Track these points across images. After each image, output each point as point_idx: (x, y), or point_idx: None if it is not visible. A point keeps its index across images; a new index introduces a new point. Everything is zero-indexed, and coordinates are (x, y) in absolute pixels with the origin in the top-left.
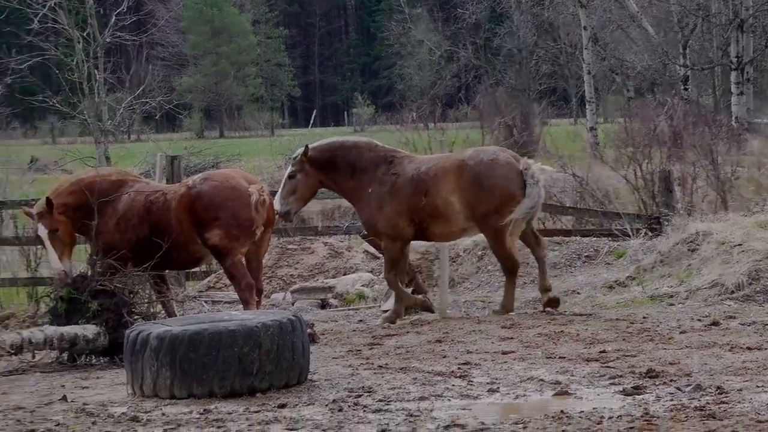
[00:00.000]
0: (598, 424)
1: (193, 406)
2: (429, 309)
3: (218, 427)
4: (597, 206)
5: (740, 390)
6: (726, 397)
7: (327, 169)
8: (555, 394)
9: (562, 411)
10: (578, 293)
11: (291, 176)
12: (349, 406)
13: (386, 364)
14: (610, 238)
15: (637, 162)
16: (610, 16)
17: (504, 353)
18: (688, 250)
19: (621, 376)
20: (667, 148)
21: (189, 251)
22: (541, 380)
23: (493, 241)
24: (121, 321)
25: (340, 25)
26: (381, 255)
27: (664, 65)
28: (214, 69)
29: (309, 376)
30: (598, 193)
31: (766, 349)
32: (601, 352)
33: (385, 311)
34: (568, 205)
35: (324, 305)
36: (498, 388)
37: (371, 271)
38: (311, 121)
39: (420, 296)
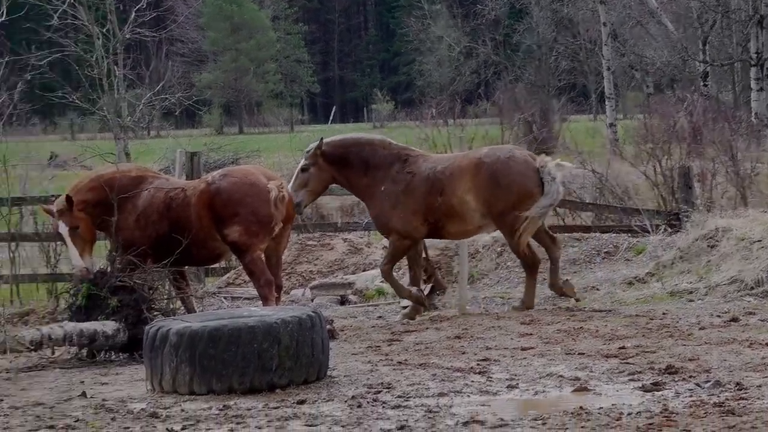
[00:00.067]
0: (618, 420)
1: (213, 402)
2: (422, 303)
3: (237, 423)
4: (616, 202)
5: (759, 386)
6: (745, 393)
7: (340, 165)
8: (574, 390)
9: (581, 407)
10: (598, 289)
11: (304, 169)
12: (368, 402)
13: (405, 360)
14: (629, 234)
15: (656, 158)
16: (630, 12)
17: (523, 349)
18: (708, 246)
19: (640, 372)
20: (687, 144)
21: (208, 247)
22: (561, 376)
23: (511, 238)
24: (140, 317)
25: (359, 21)
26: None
27: (684, 61)
28: (233, 65)
29: (328, 372)
30: (618, 189)
31: None
32: (620, 348)
33: (405, 307)
34: (587, 201)
35: (343, 301)
36: (517, 384)
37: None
38: (331, 117)
39: (414, 289)
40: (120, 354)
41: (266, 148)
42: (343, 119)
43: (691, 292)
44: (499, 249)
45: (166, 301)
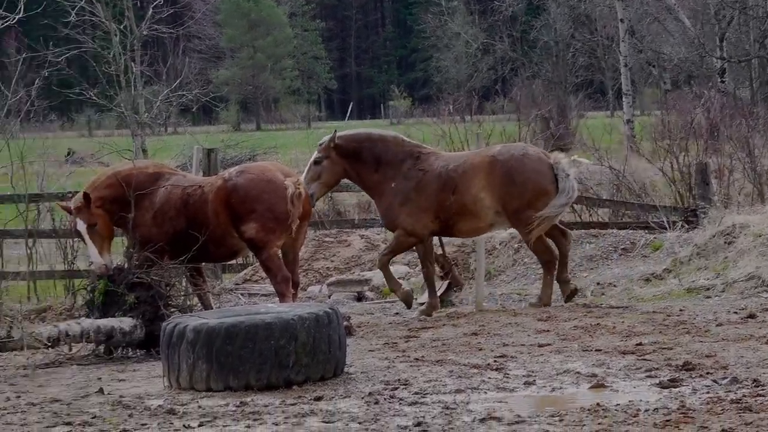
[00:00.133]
0: (635, 416)
1: (230, 398)
2: (409, 303)
3: (254, 420)
4: (634, 199)
5: None
6: (762, 389)
7: (352, 159)
8: (591, 387)
9: (598, 404)
10: (615, 286)
11: (317, 162)
12: (385, 399)
13: (422, 356)
14: (646, 231)
15: (673, 154)
16: (647, 9)
17: (540, 346)
18: (725, 242)
19: (657, 368)
20: (704, 140)
21: (226, 244)
22: (578, 373)
23: (528, 235)
24: (157, 313)
25: (376, 17)
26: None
27: (701, 57)
28: (250, 62)
29: (345, 369)
30: (635, 185)
31: None
32: (637, 344)
33: (422, 304)
34: (604, 197)
35: (360, 298)
36: (534, 380)
37: (407, 264)
38: (348, 114)
39: (405, 289)
40: (137, 351)
41: (283, 145)
42: (360, 116)
43: (708, 289)
44: (516, 246)
45: (183, 297)
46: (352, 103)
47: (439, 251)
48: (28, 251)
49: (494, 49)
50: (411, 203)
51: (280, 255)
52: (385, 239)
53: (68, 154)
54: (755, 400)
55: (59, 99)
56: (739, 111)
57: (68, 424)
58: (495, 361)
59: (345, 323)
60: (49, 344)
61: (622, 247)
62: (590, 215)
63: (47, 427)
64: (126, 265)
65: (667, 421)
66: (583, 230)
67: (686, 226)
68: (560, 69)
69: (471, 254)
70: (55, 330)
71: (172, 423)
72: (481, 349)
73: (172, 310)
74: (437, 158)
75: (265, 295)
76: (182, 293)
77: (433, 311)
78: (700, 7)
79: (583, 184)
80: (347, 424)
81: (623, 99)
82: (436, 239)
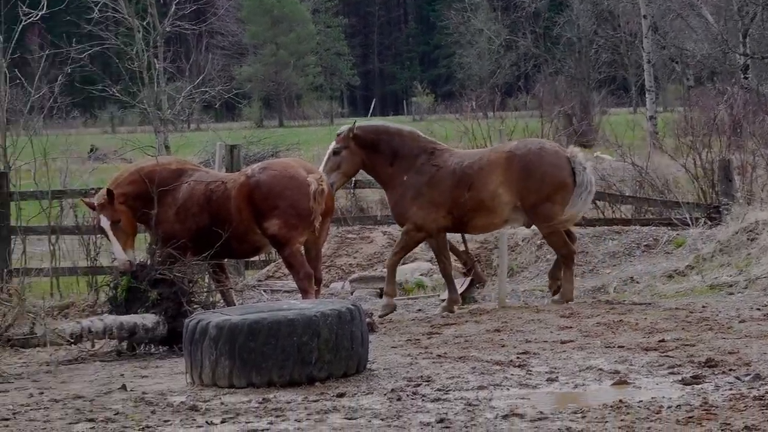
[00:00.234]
0: (657, 413)
1: (252, 395)
2: (385, 312)
3: (277, 416)
4: (656, 195)
5: None
6: None
7: (370, 150)
8: (614, 384)
9: (620, 400)
10: (637, 282)
11: (336, 152)
12: (407, 396)
13: (445, 353)
14: (669, 227)
15: (696, 151)
16: (670, 5)
17: (563, 342)
18: (748, 239)
19: (680, 365)
20: (727, 137)
21: (248, 241)
22: (600, 369)
23: (546, 228)
24: (180, 310)
25: (399, 13)
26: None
27: (724, 54)
28: (273, 58)
29: (368, 366)
30: (658, 182)
31: None
32: (660, 341)
33: (443, 300)
34: (627, 194)
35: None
36: (557, 377)
37: (430, 260)
38: (370, 110)
39: (393, 302)
40: (160, 347)
41: (306, 141)
42: (383, 112)
43: (730, 285)
44: (538, 242)
45: (205, 294)
46: (375, 100)
47: (462, 248)
48: (51, 248)
49: (517, 46)
50: (422, 198)
51: (303, 251)
52: None
53: (91, 150)
54: None
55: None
56: (762, 107)
57: (91, 420)
58: (517, 357)
59: (367, 320)
60: (72, 341)
61: (645, 243)
62: (613, 212)
63: (70, 423)
64: (149, 262)
65: (690, 417)
66: (605, 227)
67: (709, 222)
68: (583, 65)
69: (493, 251)
70: (77, 326)
71: (194, 419)
72: (503, 346)
73: (195, 306)
74: (451, 155)
75: (287, 292)
76: (205, 290)
77: (454, 306)
78: (723, 3)
79: (606, 181)
80: (370, 421)
81: (646, 95)
82: (458, 236)
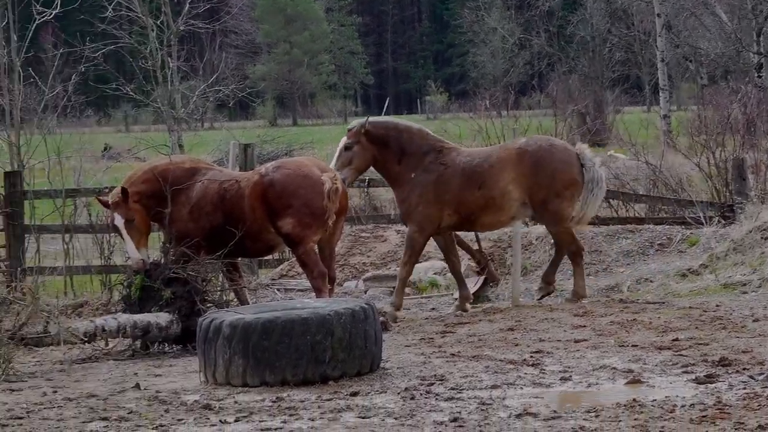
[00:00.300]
0: (671, 412)
1: (266, 393)
2: (388, 321)
3: (290, 415)
4: (670, 194)
5: None
6: None
7: (380, 146)
8: (627, 383)
9: (634, 399)
10: (651, 281)
11: (348, 147)
12: (421, 394)
13: (458, 352)
14: (683, 226)
15: (710, 150)
16: (684, 3)
17: (576, 341)
18: (762, 238)
19: (694, 364)
20: (741, 135)
21: (262, 239)
22: (614, 368)
23: (554, 225)
24: (194, 309)
25: (413, 12)
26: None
27: (738, 52)
28: (287, 57)
29: (381, 364)
30: (671, 180)
31: None
32: (673, 340)
33: (457, 299)
34: (641, 192)
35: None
36: (570, 376)
37: (444, 259)
38: (384, 109)
39: (399, 313)
40: (173, 346)
41: (319, 140)
42: (397, 111)
43: (744, 284)
44: (552, 241)
45: (219, 292)
46: (388, 98)
47: (475, 247)
48: (65, 246)
49: (531, 44)
50: (429, 196)
51: (317, 250)
52: None
53: (105, 149)
54: None
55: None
56: None
57: (105, 419)
58: (531, 356)
59: (381, 319)
60: (86, 339)
61: (659, 242)
62: (627, 211)
63: (83, 422)
64: (162, 261)
65: (704, 416)
66: (619, 225)
67: (723, 221)
68: (597, 64)
69: (507, 249)
70: (91, 325)
71: (208, 418)
72: (517, 345)
73: (209, 305)
74: (458, 154)
75: (301, 291)
76: (218, 288)
77: (467, 303)
78: (737, 1)
79: (619, 180)
80: (383, 420)
81: (660, 94)
82: (471, 235)
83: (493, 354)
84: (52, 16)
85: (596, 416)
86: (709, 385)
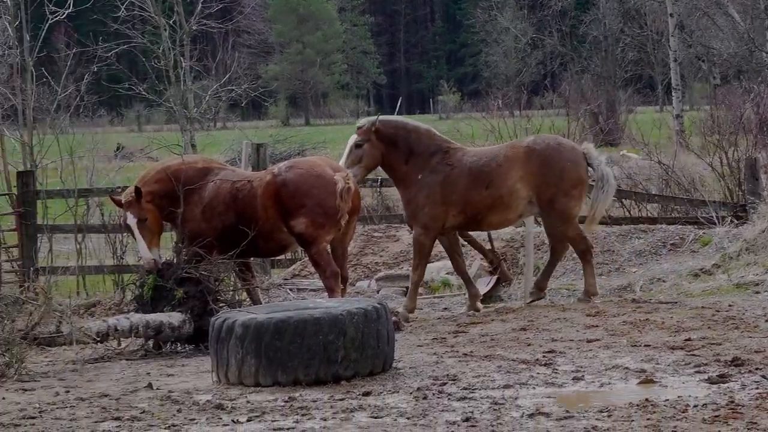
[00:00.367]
0: (683, 412)
1: (278, 393)
2: (404, 318)
3: (303, 415)
4: (683, 194)
5: None
6: None
7: (388, 145)
8: (640, 383)
9: (647, 399)
10: (664, 281)
11: (358, 145)
12: (433, 394)
13: (471, 352)
14: (695, 226)
15: (723, 149)
16: (697, 3)
17: (589, 341)
18: None
19: (706, 364)
20: (754, 135)
21: (275, 239)
22: (626, 368)
23: (562, 223)
24: (206, 308)
25: (425, 12)
26: (465, 242)
27: (751, 52)
28: (299, 57)
29: (394, 364)
30: (684, 180)
31: None
32: (686, 340)
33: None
34: (653, 192)
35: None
36: (583, 376)
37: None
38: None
39: (411, 315)
40: (186, 345)
41: (332, 140)
42: (409, 110)
43: (757, 284)
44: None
45: (231, 292)
46: (401, 98)
47: (488, 247)
48: (78, 246)
49: (543, 44)
50: (435, 197)
51: (329, 250)
52: None
53: (117, 149)
54: None
55: (108, 94)
56: None
57: (117, 419)
58: (543, 356)
59: (393, 318)
60: (98, 339)
61: (671, 242)
62: (639, 210)
63: (96, 422)
64: (175, 260)
65: (716, 416)
66: (632, 225)
67: (735, 221)
68: (609, 64)
69: (520, 249)
70: (104, 325)
71: (220, 418)
72: (529, 345)
73: (221, 305)
74: (464, 154)
75: (313, 290)
76: (231, 288)
77: (476, 300)
78: (749, 1)
79: (632, 179)
80: (395, 420)
81: (672, 94)
82: (484, 235)
83: (505, 354)
84: (64, 15)
85: (609, 416)
86: (722, 385)
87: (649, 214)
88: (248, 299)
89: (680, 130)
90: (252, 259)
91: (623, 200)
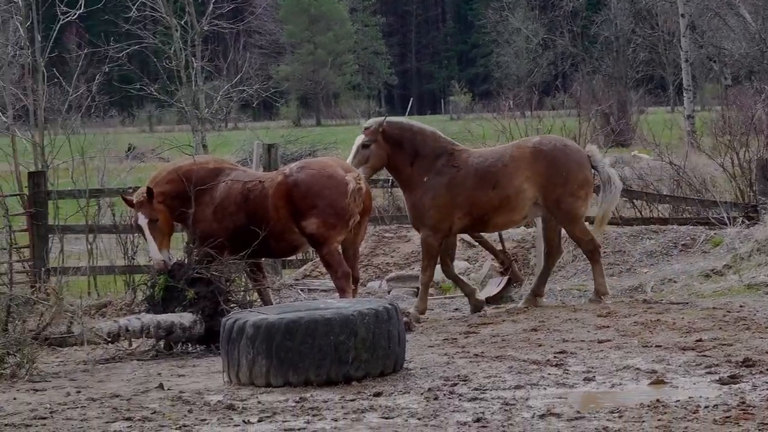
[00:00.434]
0: (694, 413)
1: (289, 394)
2: (415, 319)
3: (314, 415)
4: (694, 194)
5: None
6: None
7: (394, 146)
8: (651, 383)
9: (658, 400)
10: (675, 282)
11: (365, 145)
12: (444, 395)
13: (482, 352)
14: (706, 227)
15: (734, 150)
16: (708, 4)
17: (600, 342)
18: None
19: (717, 365)
20: (765, 135)
21: (286, 240)
22: (637, 369)
23: (569, 224)
24: (217, 309)
25: (437, 12)
26: (477, 243)
27: (762, 53)
28: (311, 57)
29: (404, 365)
30: (695, 181)
31: None
32: (697, 341)
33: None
34: (665, 193)
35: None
36: (594, 376)
37: (467, 260)
38: (408, 109)
39: (421, 316)
40: (197, 346)
41: (343, 140)
42: (421, 111)
43: None
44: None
45: (242, 293)
46: (412, 99)
47: (499, 247)
48: (89, 246)
49: (555, 45)
50: (441, 200)
51: (341, 250)
52: None
53: (129, 149)
54: None
55: (120, 94)
56: None
57: (128, 419)
58: (554, 357)
59: (404, 319)
60: (109, 339)
61: (683, 242)
62: (650, 211)
63: (107, 422)
64: (186, 261)
65: (727, 417)
66: (643, 226)
67: (746, 222)
68: (621, 64)
69: (531, 250)
70: (115, 325)
71: (231, 418)
72: (540, 345)
73: (232, 305)
74: (469, 155)
75: (325, 291)
76: (242, 289)
77: (474, 295)
78: (761, 2)
79: (643, 180)
80: (406, 420)
81: (684, 94)
82: (495, 235)
83: (516, 354)
84: (76, 16)
85: (620, 417)
86: (733, 385)
87: (661, 215)
88: (259, 300)
89: (691, 131)
90: (263, 259)
91: (634, 201)
